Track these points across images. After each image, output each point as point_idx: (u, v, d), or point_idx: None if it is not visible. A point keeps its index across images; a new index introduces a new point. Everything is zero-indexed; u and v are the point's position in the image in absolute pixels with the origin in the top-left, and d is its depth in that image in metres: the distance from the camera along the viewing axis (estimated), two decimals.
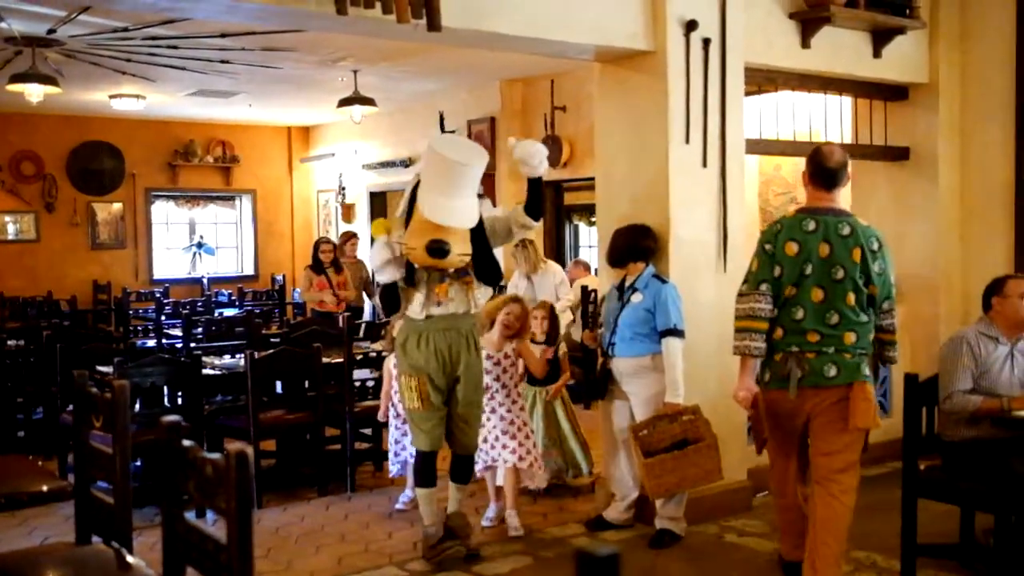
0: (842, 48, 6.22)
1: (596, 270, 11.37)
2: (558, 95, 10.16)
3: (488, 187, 10.74)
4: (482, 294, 4.88)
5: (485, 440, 5.30)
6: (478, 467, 5.28)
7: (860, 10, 6.07)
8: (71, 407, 6.27)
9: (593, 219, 13.45)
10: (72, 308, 10.63)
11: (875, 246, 4.07)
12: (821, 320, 4.01)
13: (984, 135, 6.71)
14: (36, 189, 12.78)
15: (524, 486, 5.65)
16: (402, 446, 5.70)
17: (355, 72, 9.67)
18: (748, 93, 5.81)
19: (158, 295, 11.80)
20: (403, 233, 4.69)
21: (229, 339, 8.15)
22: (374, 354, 6.58)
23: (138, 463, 5.88)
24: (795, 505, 4.35)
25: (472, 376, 4.81)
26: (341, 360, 6.35)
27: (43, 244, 12.85)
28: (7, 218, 12.68)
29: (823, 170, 4.18)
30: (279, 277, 14.04)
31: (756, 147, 6.25)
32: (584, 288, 8.91)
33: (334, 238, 14.08)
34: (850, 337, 4.02)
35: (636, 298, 5.08)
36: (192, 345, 8.21)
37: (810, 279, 4.01)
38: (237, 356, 6.93)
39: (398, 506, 5.75)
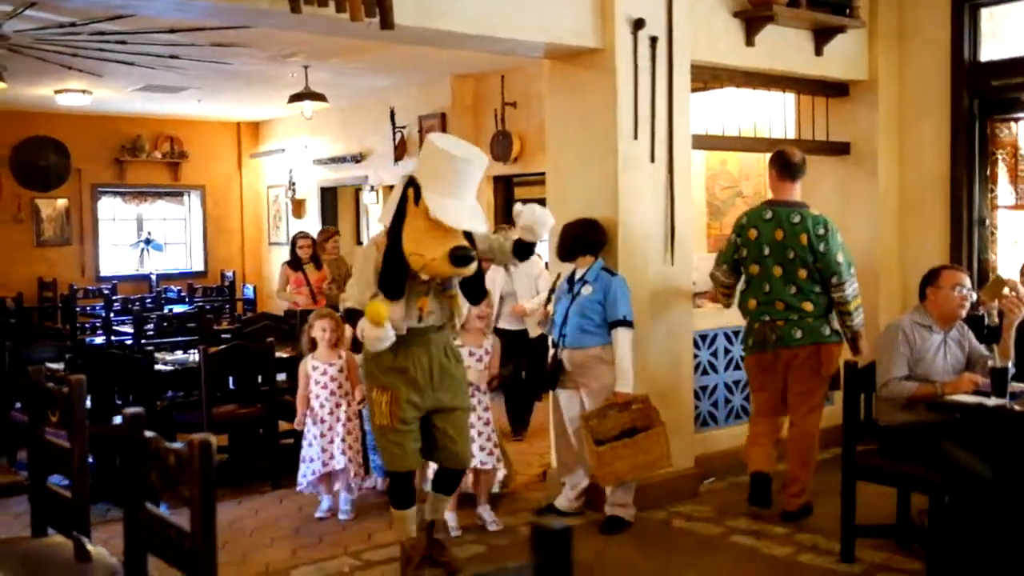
0: (785, 46, 6.38)
1: (546, 263, 11.51)
2: (508, 91, 10.24)
3: None
4: (464, 307, 4.53)
5: None
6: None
7: (802, 9, 6.23)
8: (20, 404, 6.25)
9: None
10: (18, 306, 10.50)
11: (821, 231, 5.07)
12: (783, 291, 5.11)
13: (921, 130, 6.93)
14: None
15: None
16: (311, 459, 5.45)
17: (306, 68, 9.67)
18: (694, 90, 5.94)
19: (106, 292, 11.69)
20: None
21: (180, 335, 8.13)
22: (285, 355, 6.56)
23: (90, 459, 5.86)
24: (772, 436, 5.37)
25: (455, 385, 4.45)
26: (294, 354, 6.39)
27: None
28: None
29: (788, 164, 5.27)
30: (229, 273, 13.97)
31: (702, 143, 6.39)
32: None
33: (286, 235, 14.11)
34: (808, 305, 5.10)
35: (586, 290, 5.19)
36: (143, 341, 8.18)
37: (770, 258, 5.13)
38: (189, 352, 6.93)
39: (318, 514, 5.52)
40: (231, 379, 6.42)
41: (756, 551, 4.84)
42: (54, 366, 6.01)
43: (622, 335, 5.04)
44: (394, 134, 11.62)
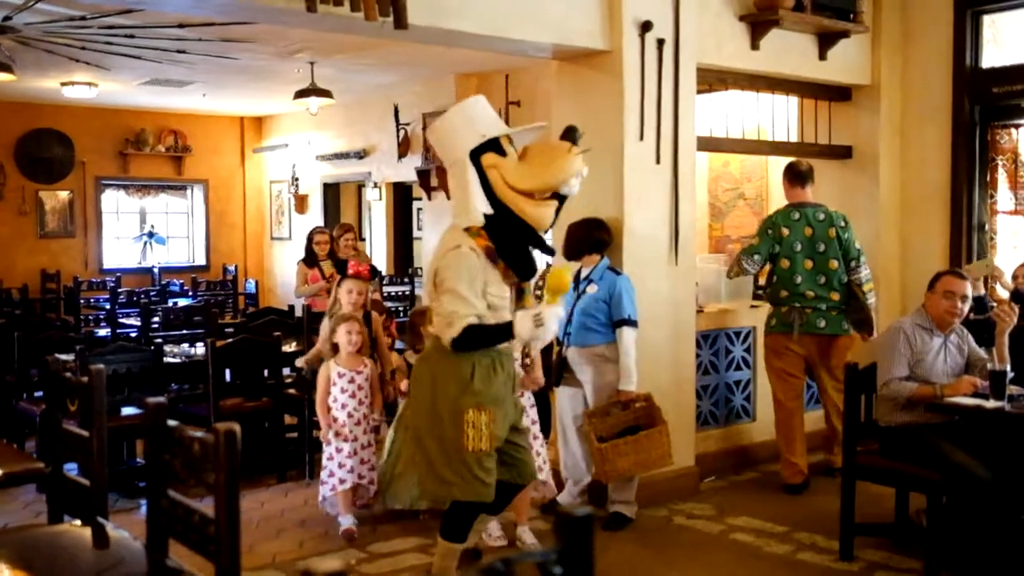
0: (789, 50, 6.46)
1: (548, 262, 11.58)
2: (512, 90, 10.30)
3: (442, 180, 10.89)
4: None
5: None
6: None
7: (807, 14, 6.31)
8: (36, 394, 6.32)
9: None
10: (23, 297, 10.55)
11: (842, 224, 5.90)
12: (814, 282, 5.81)
13: (922, 135, 7.01)
14: None
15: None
16: (334, 473, 5.09)
17: (311, 64, 9.72)
18: (699, 92, 6.02)
19: (111, 284, 11.74)
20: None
21: (185, 328, 8.19)
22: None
23: None
24: (799, 423, 5.93)
25: (516, 395, 4.15)
26: (300, 348, 6.46)
27: None
28: None
29: (799, 173, 6.03)
30: (231, 267, 14.03)
31: (707, 144, 6.47)
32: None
33: (289, 230, 14.19)
34: (835, 295, 5.83)
35: (591, 289, 5.26)
36: (150, 334, 8.24)
37: (801, 253, 5.81)
38: (195, 345, 7.00)
39: (342, 532, 5.11)
40: (238, 372, 6.47)
41: (756, 549, 4.92)
42: (63, 357, 6.08)
43: (626, 334, 5.11)
44: (398, 131, 11.67)
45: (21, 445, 6.33)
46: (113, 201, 13.99)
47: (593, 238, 5.35)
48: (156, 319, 8.59)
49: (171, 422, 2.60)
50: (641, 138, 5.56)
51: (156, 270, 13.80)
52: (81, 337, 6.74)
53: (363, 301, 5.46)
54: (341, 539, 5.05)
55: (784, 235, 5.86)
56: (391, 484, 4.41)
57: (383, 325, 5.84)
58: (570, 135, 3.98)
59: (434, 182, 11.05)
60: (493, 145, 3.78)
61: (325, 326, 5.53)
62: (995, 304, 5.53)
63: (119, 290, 11.13)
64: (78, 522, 3.26)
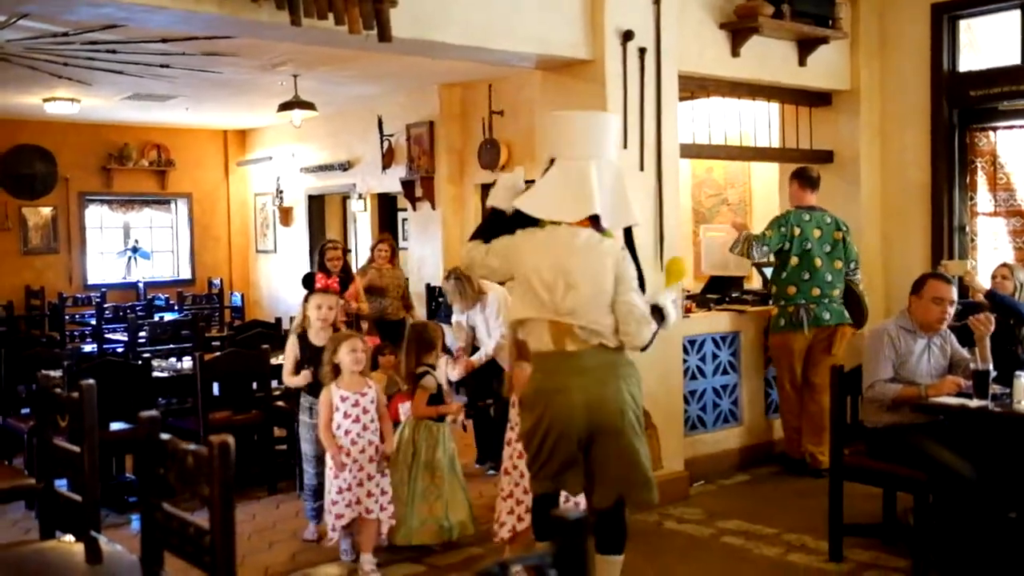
0: (770, 57, 6.52)
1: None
2: (496, 99, 10.35)
3: (427, 190, 10.92)
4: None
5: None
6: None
7: (786, 21, 6.38)
8: (23, 411, 6.30)
9: None
10: (8, 314, 10.51)
11: (845, 228, 6.30)
12: (821, 280, 6.15)
13: (902, 139, 7.09)
14: None
15: None
16: (337, 506, 4.70)
17: (295, 76, 9.74)
18: (681, 99, 6.07)
19: (97, 300, 11.71)
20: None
21: (172, 343, 8.18)
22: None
23: None
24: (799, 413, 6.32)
25: None
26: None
27: None
28: None
29: (810, 178, 6.37)
30: (216, 281, 14.01)
31: (690, 151, 6.53)
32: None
33: (274, 243, 14.17)
34: (837, 291, 6.22)
35: None
36: (137, 349, 8.23)
37: (811, 252, 6.14)
38: (182, 359, 6.99)
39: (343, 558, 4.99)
40: (226, 386, 6.48)
41: (746, 551, 4.95)
42: (51, 373, 6.06)
43: None
44: (382, 142, 11.70)
45: (8, 462, 6.31)
46: (97, 216, 13.96)
47: None
48: (143, 334, 8.57)
49: (164, 435, 2.61)
50: (625, 146, 5.60)
51: (141, 285, 13.77)
52: (69, 353, 6.72)
53: (332, 317, 5.29)
54: (334, 551, 5.03)
55: (796, 234, 6.15)
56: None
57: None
58: None
59: (419, 192, 11.08)
60: None
61: (292, 343, 5.27)
62: (972, 301, 5.66)
63: (104, 305, 11.09)
64: (70, 537, 3.27)
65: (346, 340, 4.73)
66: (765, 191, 8.21)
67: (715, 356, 6.46)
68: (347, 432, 4.67)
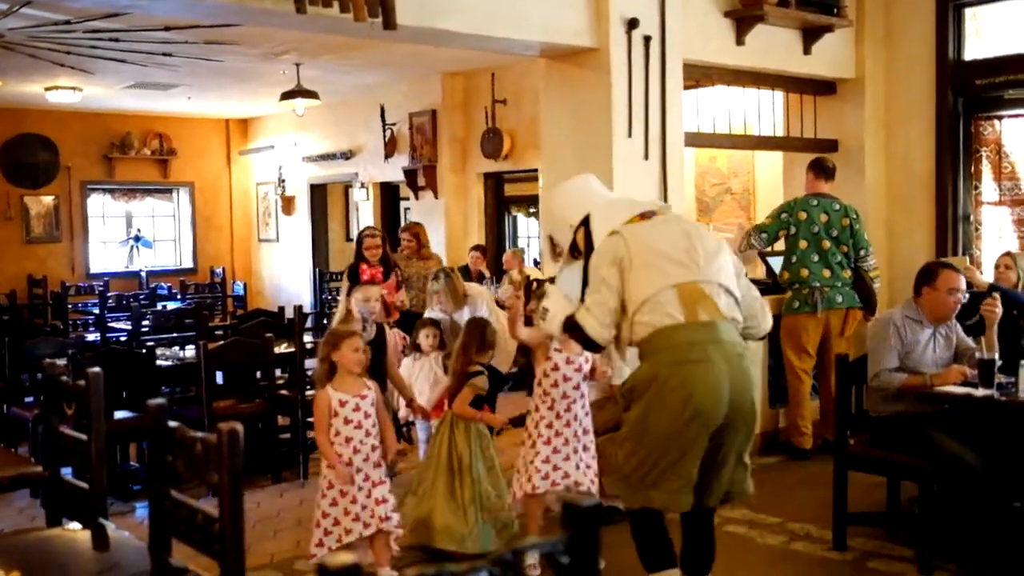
0: (774, 45, 6.50)
1: (535, 260, 11.61)
2: (499, 88, 10.33)
3: (430, 179, 10.91)
4: None
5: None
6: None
7: (791, 9, 6.35)
8: (27, 400, 6.31)
9: (532, 210, 13.66)
10: (11, 303, 10.52)
11: (854, 216, 6.32)
12: (829, 262, 6.23)
13: (907, 128, 7.07)
14: None
15: None
16: (339, 523, 4.17)
17: (297, 65, 9.72)
18: (686, 88, 6.07)
19: (100, 288, 11.71)
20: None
21: (176, 331, 8.18)
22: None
23: None
24: (807, 395, 6.38)
25: None
26: (292, 350, 6.47)
27: None
28: None
29: (825, 168, 6.42)
30: (218, 270, 14.01)
31: (694, 140, 6.52)
32: (527, 278, 9.11)
33: (276, 232, 14.16)
34: (847, 273, 6.31)
35: None
36: (141, 338, 8.23)
37: (819, 235, 6.21)
38: (186, 348, 7.00)
39: None
40: (230, 374, 6.48)
41: (750, 540, 4.95)
42: (57, 362, 6.07)
43: None
44: (384, 131, 11.68)
45: (14, 450, 6.31)
46: (99, 205, 13.95)
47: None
48: (146, 322, 8.57)
49: (172, 423, 2.61)
50: (629, 135, 5.60)
51: (143, 274, 13.77)
52: (73, 342, 6.72)
53: (377, 310, 5.07)
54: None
55: (802, 219, 6.25)
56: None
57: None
58: None
59: (421, 181, 11.07)
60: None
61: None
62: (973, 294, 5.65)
63: (107, 294, 11.09)
64: (77, 525, 3.27)
65: (347, 337, 4.24)
66: (769, 180, 8.20)
67: None
68: (348, 439, 4.16)
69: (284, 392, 6.47)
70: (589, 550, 1.58)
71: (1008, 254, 5.88)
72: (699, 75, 6.32)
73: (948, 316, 4.70)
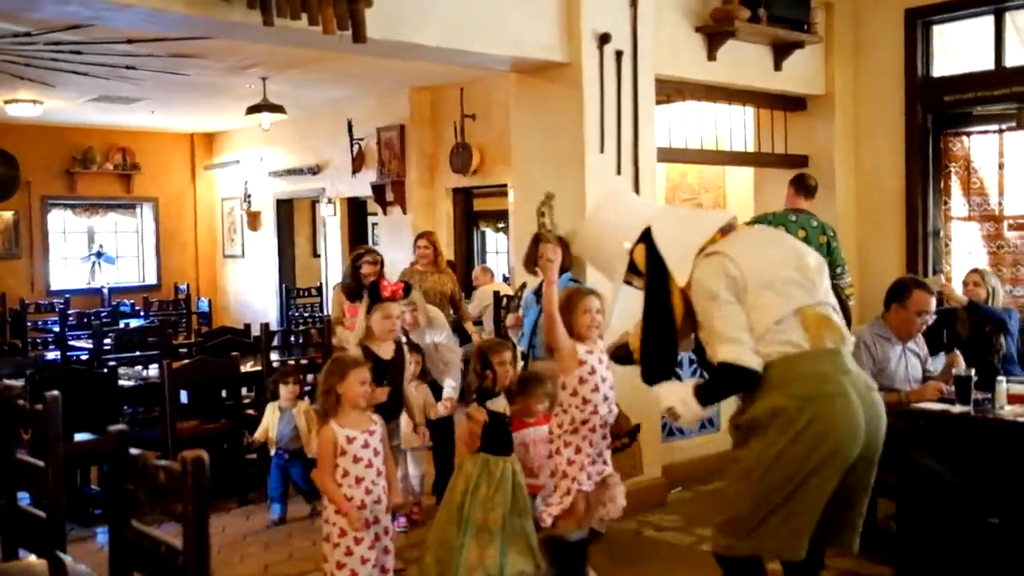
0: (745, 61, 6.49)
1: (504, 276, 11.54)
2: (468, 103, 10.27)
3: (398, 194, 10.82)
4: None
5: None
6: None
7: (762, 25, 6.35)
8: None
9: (500, 225, 13.60)
10: None
11: (831, 233, 6.13)
12: None
13: (876, 143, 7.09)
14: None
15: None
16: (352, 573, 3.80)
17: (264, 79, 9.61)
18: (658, 103, 6.03)
19: (60, 306, 11.48)
20: None
21: (139, 350, 8.01)
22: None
23: None
24: None
25: None
26: (259, 368, 6.34)
27: None
28: None
29: (807, 186, 6.28)
30: (183, 287, 13.79)
31: (666, 155, 6.49)
32: (496, 294, 9.03)
33: (242, 248, 13.97)
34: None
35: None
36: (102, 356, 8.04)
37: None
38: (150, 367, 6.85)
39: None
40: (195, 394, 6.34)
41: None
42: (13, 383, 5.90)
43: None
44: (352, 146, 11.58)
45: None
46: (60, 221, 13.70)
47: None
48: (108, 341, 8.39)
49: (133, 450, 2.50)
50: (602, 150, 5.55)
51: (106, 291, 13.53)
52: (31, 361, 6.55)
53: (399, 328, 4.81)
54: (306, 562, 4.94)
55: None
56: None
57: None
58: None
59: (389, 196, 10.98)
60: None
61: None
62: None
63: (68, 312, 10.86)
64: (33, 557, 3.14)
65: (354, 368, 3.85)
66: (740, 196, 8.18)
67: (692, 361, 6.40)
68: (359, 480, 3.80)
69: (251, 412, 6.33)
70: None
71: (976, 271, 5.89)
72: (671, 90, 6.29)
73: (913, 335, 4.76)
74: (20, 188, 12.77)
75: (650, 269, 3.27)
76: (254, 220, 13.60)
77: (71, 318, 10.40)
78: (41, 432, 3.17)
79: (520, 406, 4.32)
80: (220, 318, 13.45)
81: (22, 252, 13.03)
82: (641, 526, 5.41)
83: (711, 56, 6.27)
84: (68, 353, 9.19)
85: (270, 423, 5.69)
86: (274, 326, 10.74)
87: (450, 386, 5.69)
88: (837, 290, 6.23)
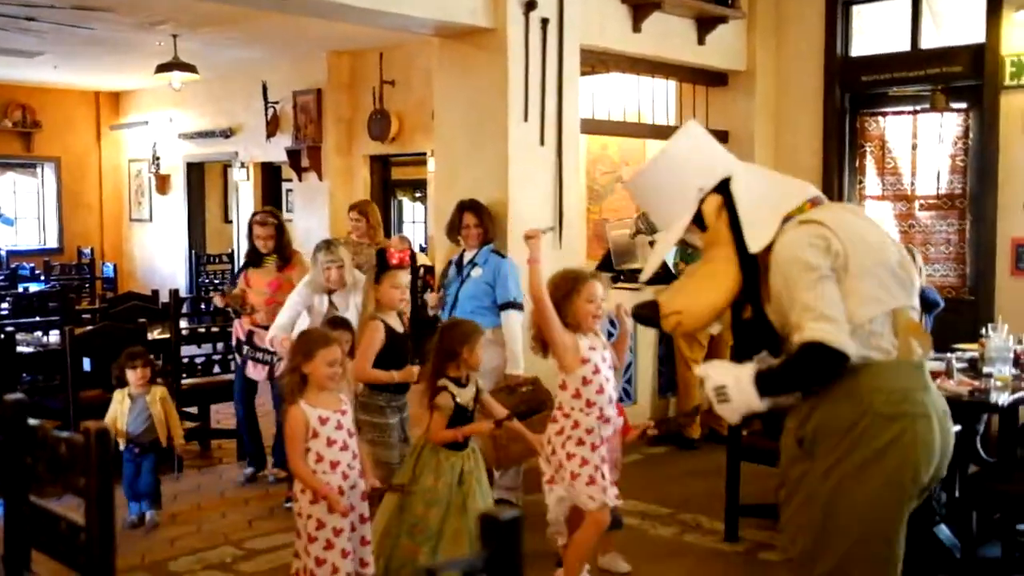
0: (670, 34, 6.48)
1: (421, 246, 11.41)
2: (387, 68, 10.06)
3: (314, 160, 10.59)
4: None
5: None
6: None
7: None
8: None
9: (418, 195, 13.44)
10: None
11: None
12: None
13: (796, 121, 7.17)
14: None
15: None
16: (334, 569, 3.49)
17: (174, 37, 9.24)
18: (582, 74, 5.97)
19: None
20: None
21: (39, 315, 7.68)
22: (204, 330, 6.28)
23: None
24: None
25: None
26: (167, 336, 6.12)
27: None
28: None
29: None
30: (86, 251, 13.30)
31: (589, 127, 6.45)
32: (414, 262, 8.91)
33: (150, 212, 13.52)
34: None
35: (476, 273, 5.16)
36: (0, 322, 7.69)
37: None
38: (51, 333, 6.56)
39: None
40: (99, 362, 6.08)
41: (642, 532, 4.91)
42: None
43: (513, 317, 5.03)
44: (266, 109, 11.26)
45: None
46: None
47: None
48: (5, 306, 8.02)
49: (32, 421, 2.35)
50: (526, 119, 5.47)
51: (3, 253, 12.96)
52: None
53: (407, 297, 4.53)
54: (215, 536, 4.79)
55: None
56: None
57: None
58: None
59: (305, 162, 10.72)
60: None
61: (377, 328, 4.20)
62: None
63: None
64: None
65: (324, 346, 3.52)
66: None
67: (609, 335, 6.40)
68: (334, 464, 3.49)
69: (159, 381, 6.10)
70: (511, 568, 1.44)
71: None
72: (595, 61, 6.24)
73: None
74: None
75: (733, 223, 2.71)
76: (163, 183, 13.17)
77: None
78: None
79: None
80: (126, 284, 13.03)
81: None
82: None
83: (636, 28, 6.24)
84: None
85: (118, 413, 4.95)
86: (183, 293, 10.44)
87: None
88: None
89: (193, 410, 6.36)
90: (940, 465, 2.60)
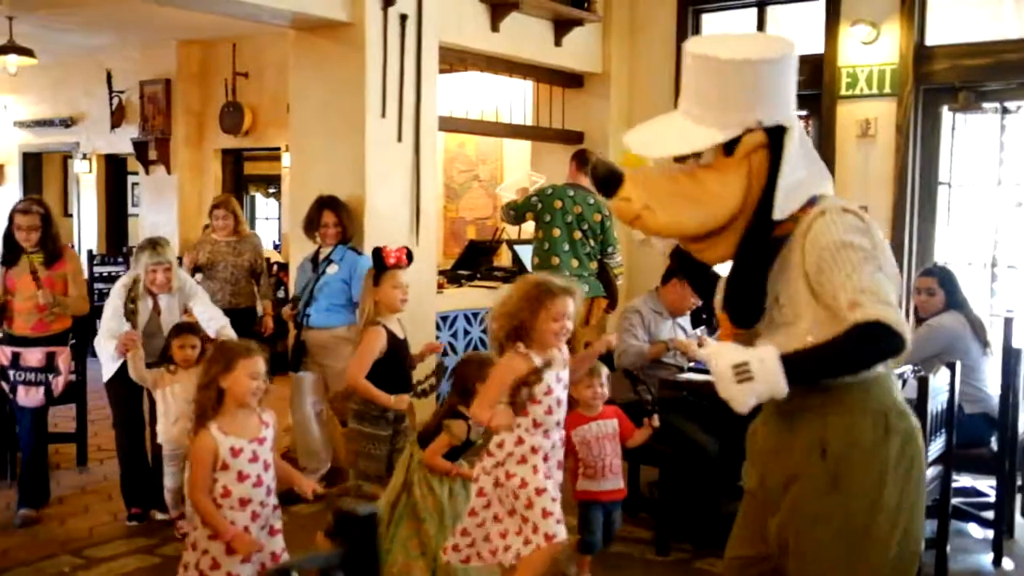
0: (527, 35, 6.55)
1: (275, 243, 11.17)
2: (240, 60, 9.80)
3: (162, 153, 10.23)
4: None
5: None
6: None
7: (544, 0, 6.42)
8: None
9: (272, 190, 13.15)
10: None
11: (607, 212, 6.11)
12: (579, 252, 6.19)
13: None
14: None
15: None
16: None
17: (10, 19, 8.75)
18: (441, 72, 5.96)
19: None
20: None
21: None
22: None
23: None
24: None
25: None
26: None
27: None
28: None
29: (587, 161, 6.17)
30: None
31: (446, 124, 6.44)
32: (268, 260, 8.71)
33: None
34: (594, 264, 6.28)
35: (332, 269, 5.10)
36: None
37: (571, 225, 6.14)
38: None
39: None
40: None
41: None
42: None
43: None
44: (111, 99, 10.79)
45: None
46: None
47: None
48: None
49: None
50: (383, 115, 5.43)
51: None
52: None
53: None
54: (51, 545, 4.56)
55: (557, 207, 6.13)
56: None
57: None
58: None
59: (152, 155, 10.34)
60: None
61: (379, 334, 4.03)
62: None
63: None
64: None
65: (244, 356, 3.13)
66: (517, 168, 8.28)
67: (467, 332, 6.43)
68: (244, 502, 3.09)
69: None
70: (368, 563, 1.42)
71: None
72: (453, 59, 6.24)
73: (685, 311, 5.03)
74: None
75: (772, 171, 2.29)
76: None
77: None
78: None
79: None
80: None
81: None
82: None
83: (494, 27, 6.27)
84: None
85: None
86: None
87: None
88: (607, 269, 6.37)
89: None
90: None
